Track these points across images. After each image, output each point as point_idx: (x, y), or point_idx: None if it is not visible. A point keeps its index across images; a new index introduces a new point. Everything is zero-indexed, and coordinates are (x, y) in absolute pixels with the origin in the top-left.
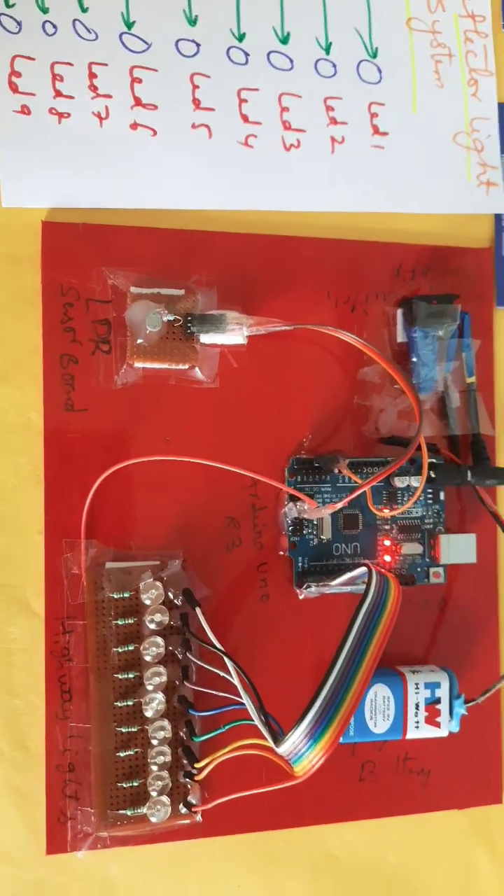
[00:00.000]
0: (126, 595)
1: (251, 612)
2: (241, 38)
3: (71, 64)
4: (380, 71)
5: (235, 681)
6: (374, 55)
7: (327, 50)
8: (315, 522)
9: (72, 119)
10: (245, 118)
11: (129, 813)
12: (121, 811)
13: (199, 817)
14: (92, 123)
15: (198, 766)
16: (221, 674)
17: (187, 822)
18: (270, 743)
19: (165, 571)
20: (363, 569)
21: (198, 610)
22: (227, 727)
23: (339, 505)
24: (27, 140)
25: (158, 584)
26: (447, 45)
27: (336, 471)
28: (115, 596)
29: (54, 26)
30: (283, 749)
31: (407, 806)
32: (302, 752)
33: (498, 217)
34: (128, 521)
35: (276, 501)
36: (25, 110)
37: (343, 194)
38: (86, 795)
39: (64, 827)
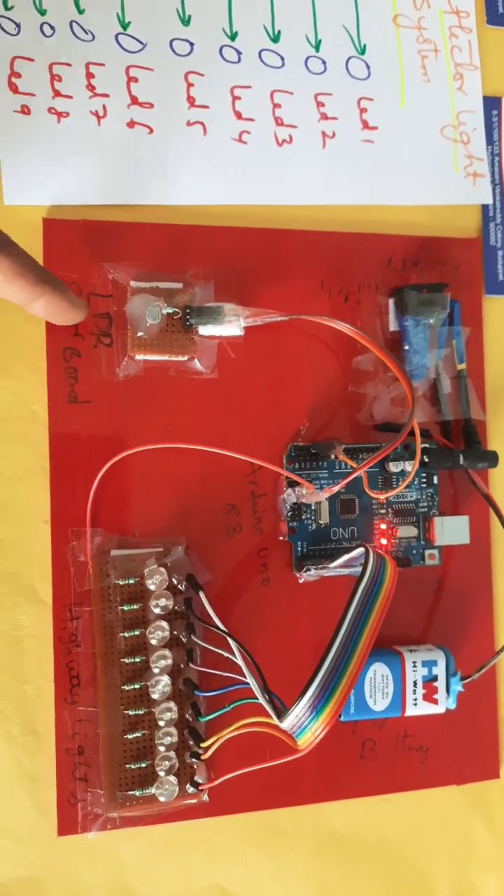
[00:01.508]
0: (131, 581)
1: (252, 596)
2: (233, 36)
3: (69, 64)
4: (368, 67)
5: (239, 660)
6: (363, 52)
7: (317, 47)
8: (313, 507)
9: (70, 118)
10: (238, 115)
11: (137, 793)
12: (129, 792)
13: (205, 797)
14: (90, 122)
15: (203, 745)
16: (225, 654)
17: (194, 801)
18: (274, 718)
19: (169, 558)
20: (361, 550)
21: (201, 594)
22: (231, 706)
23: (336, 488)
24: (28, 139)
25: (162, 569)
26: (433, 41)
27: (333, 457)
28: (121, 582)
29: (52, 28)
30: (287, 723)
31: (406, 782)
32: (305, 724)
33: (485, 207)
34: (131, 509)
35: (275, 488)
36: (25, 110)
37: (334, 188)
38: (95, 777)
39: (74, 809)
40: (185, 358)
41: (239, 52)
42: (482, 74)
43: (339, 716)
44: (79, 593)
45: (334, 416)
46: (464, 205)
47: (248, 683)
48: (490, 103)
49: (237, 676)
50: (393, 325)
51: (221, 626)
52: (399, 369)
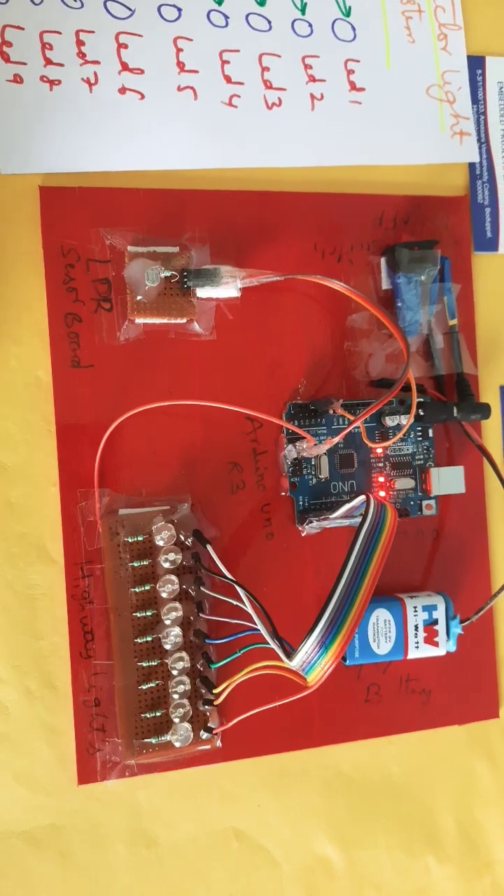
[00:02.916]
0: (140, 538)
1: (257, 551)
2: (220, 1)
3: (59, 32)
4: (353, 29)
5: (248, 607)
6: (348, 14)
7: (303, 10)
8: (313, 463)
9: (63, 86)
10: (228, 79)
11: (153, 741)
12: (146, 740)
13: (219, 742)
14: (82, 89)
15: (216, 691)
16: (234, 602)
17: (208, 747)
18: (284, 659)
19: (175, 515)
20: (362, 498)
21: (209, 546)
22: (241, 652)
23: (336, 439)
24: (21, 108)
25: (170, 525)
26: (416, 2)
27: (331, 412)
28: (130, 540)
29: None
30: (296, 661)
31: (410, 724)
32: (314, 660)
33: (472, 166)
34: (138, 469)
35: (276, 445)
36: (18, 79)
37: (324, 149)
38: (112, 728)
39: (93, 758)
40: (184, 320)
41: (226, 17)
42: (466, 34)
43: (345, 659)
44: (89, 552)
45: (331, 374)
46: (451, 163)
47: (256, 629)
48: (474, 63)
49: (246, 623)
50: (385, 284)
51: (229, 575)
52: (392, 323)
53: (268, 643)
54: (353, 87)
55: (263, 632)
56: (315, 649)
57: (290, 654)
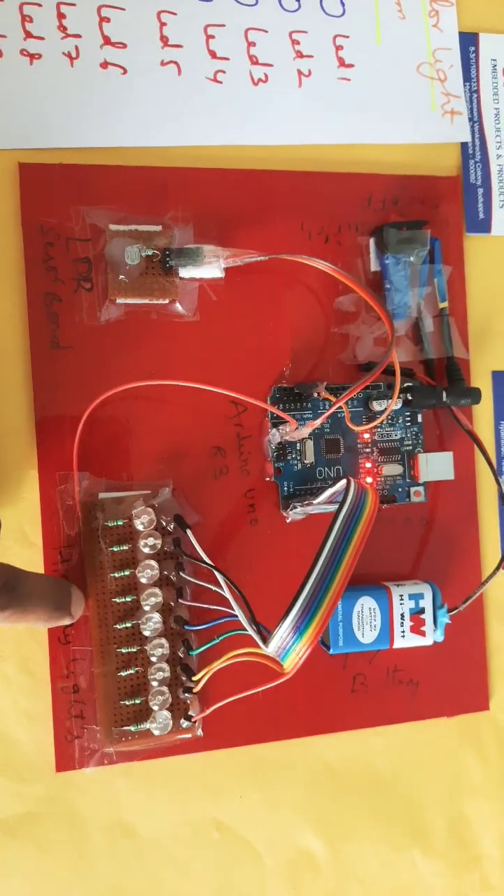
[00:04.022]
0: (120, 523)
1: (241, 537)
2: None
3: (39, 5)
4: (343, 4)
5: (226, 593)
6: None
7: None
8: (298, 448)
9: (43, 60)
10: (213, 54)
11: (132, 729)
12: (125, 727)
13: (199, 731)
14: (63, 63)
15: (195, 678)
16: (214, 588)
17: (189, 736)
18: (260, 644)
19: (156, 499)
20: (343, 483)
21: (188, 531)
22: (220, 638)
23: (318, 422)
24: (0, 83)
25: (150, 510)
26: None
27: (316, 395)
28: (110, 524)
29: None
30: (272, 647)
31: (397, 715)
32: (289, 646)
33: (464, 145)
34: (118, 453)
35: (260, 430)
36: None
37: (312, 127)
38: (91, 715)
39: (71, 745)
40: (167, 301)
41: None
42: (458, 10)
43: (329, 648)
44: (69, 536)
45: (318, 358)
46: (442, 143)
47: (236, 616)
48: (466, 39)
49: (226, 609)
50: (374, 265)
51: (208, 560)
52: (379, 305)
53: (247, 630)
54: (341, 63)
55: (241, 617)
56: (290, 634)
57: (266, 640)
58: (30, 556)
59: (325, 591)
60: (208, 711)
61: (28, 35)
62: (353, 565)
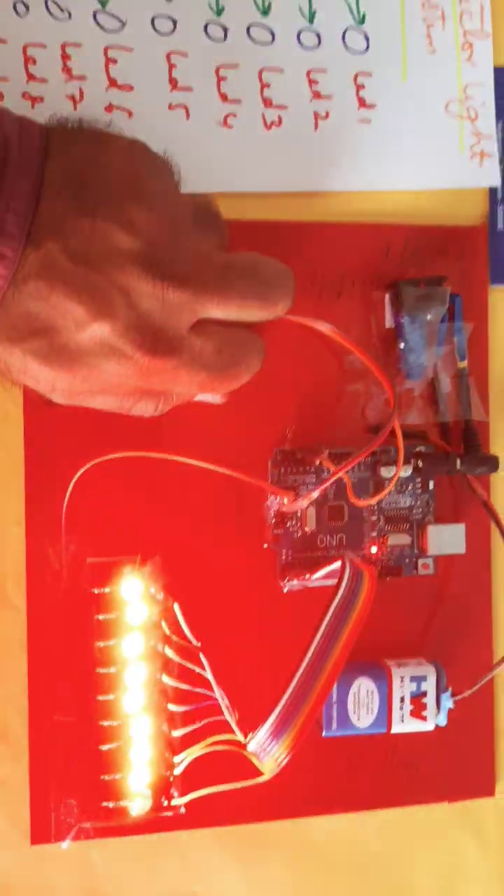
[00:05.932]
0: (107, 590)
1: (235, 606)
2: (219, 12)
3: (44, 46)
4: (367, 38)
5: (209, 676)
6: (362, 21)
7: (311, 18)
8: (298, 514)
9: (45, 103)
10: (224, 97)
11: (110, 805)
12: (103, 803)
13: (182, 808)
14: (66, 107)
15: (176, 759)
16: (198, 670)
17: (169, 813)
18: (242, 740)
19: (146, 566)
20: (339, 563)
21: (175, 606)
22: (203, 723)
23: (315, 494)
24: None
25: (139, 579)
26: (440, 6)
27: (317, 462)
28: (96, 591)
29: (26, 6)
30: (251, 747)
31: (394, 799)
32: (269, 750)
33: (492, 190)
34: (108, 516)
35: (259, 494)
36: None
37: (327, 173)
38: (69, 787)
39: (48, 818)
40: None
41: (225, 29)
42: (494, 42)
43: (322, 731)
44: (54, 600)
45: (326, 418)
46: (469, 188)
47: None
48: (502, 74)
49: (210, 693)
50: (388, 322)
51: (194, 641)
52: (380, 369)
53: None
54: (362, 103)
55: (222, 706)
56: (269, 740)
57: (248, 736)
58: (13, 619)
59: (308, 694)
60: (187, 798)
61: (31, 77)
62: (342, 665)
